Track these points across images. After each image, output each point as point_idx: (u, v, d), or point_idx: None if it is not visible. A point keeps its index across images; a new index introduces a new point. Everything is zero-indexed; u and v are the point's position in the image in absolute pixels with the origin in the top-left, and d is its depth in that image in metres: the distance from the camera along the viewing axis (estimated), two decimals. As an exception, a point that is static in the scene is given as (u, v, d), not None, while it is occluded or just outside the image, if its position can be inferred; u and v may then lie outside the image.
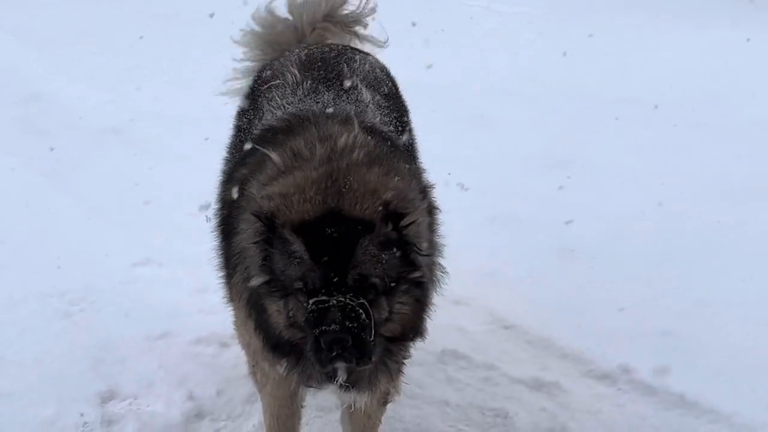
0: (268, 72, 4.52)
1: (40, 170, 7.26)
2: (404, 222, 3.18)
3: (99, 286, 5.52)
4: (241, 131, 4.34)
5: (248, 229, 3.35)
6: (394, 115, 4.38)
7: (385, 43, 5.42)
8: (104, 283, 5.58)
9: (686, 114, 8.83)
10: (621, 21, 12.72)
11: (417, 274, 3.25)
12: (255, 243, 3.28)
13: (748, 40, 10.15)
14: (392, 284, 3.19)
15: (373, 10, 5.48)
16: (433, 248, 3.52)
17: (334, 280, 3.10)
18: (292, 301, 3.21)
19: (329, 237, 3.11)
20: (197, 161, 6.57)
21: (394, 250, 3.18)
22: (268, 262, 3.24)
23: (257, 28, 5.36)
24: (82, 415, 4.52)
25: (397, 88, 4.72)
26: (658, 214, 6.69)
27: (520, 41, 11.64)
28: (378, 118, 4.13)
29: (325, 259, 3.10)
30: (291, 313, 3.22)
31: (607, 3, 13.83)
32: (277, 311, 3.27)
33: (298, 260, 3.14)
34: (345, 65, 4.42)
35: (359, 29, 5.46)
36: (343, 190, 3.20)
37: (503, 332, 5.34)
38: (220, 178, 4.17)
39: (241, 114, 4.46)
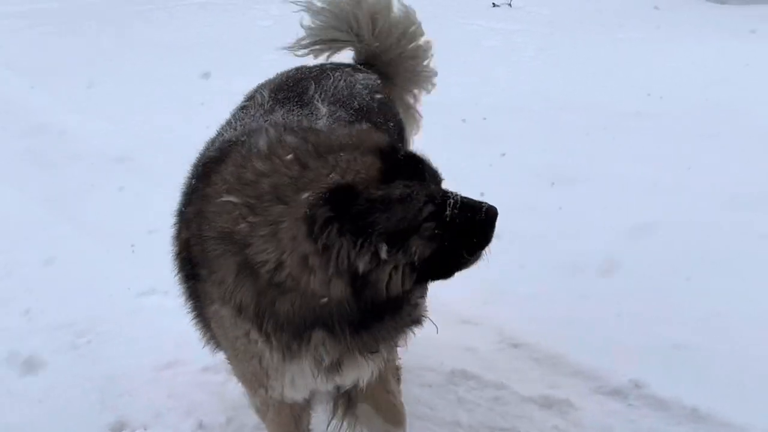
0: (249, 94, 4.52)
1: (46, 201, 7.28)
2: None
3: (105, 316, 5.52)
4: None
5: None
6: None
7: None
8: (110, 313, 5.58)
9: (691, 125, 8.81)
10: (621, 35, 12.75)
11: None
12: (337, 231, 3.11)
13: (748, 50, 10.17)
14: None
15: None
16: None
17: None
18: (415, 240, 3.17)
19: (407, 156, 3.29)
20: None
21: None
22: (372, 236, 3.11)
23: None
24: (91, 447, 4.52)
25: (380, 103, 4.63)
26: (665, 226, 6.66)
27: (522, 58, 11.67)
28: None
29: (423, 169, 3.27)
30: (415, 250, 3.18)
31: (605, 18, 13.88)
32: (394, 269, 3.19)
33: (411, 194, 3.15)
34: (313, 83, 4.37)
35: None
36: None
37: (512, 350, 5.30)
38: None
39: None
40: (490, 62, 11.50)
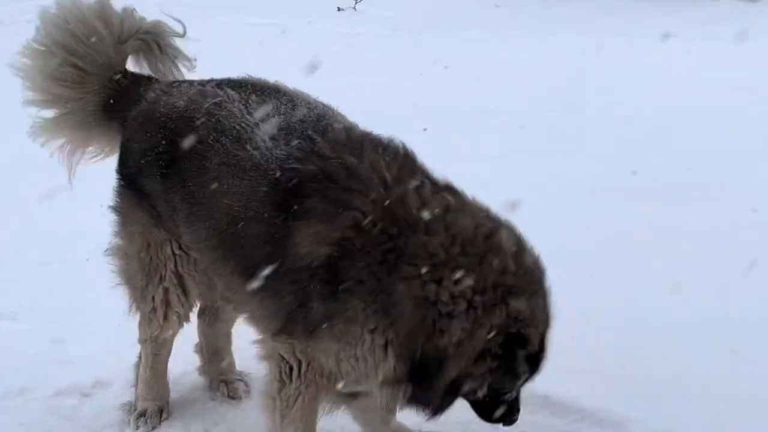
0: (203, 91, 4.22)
1: None
2: None
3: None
4: (201, 170, 4.01)
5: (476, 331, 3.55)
6: None
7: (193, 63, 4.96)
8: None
9: (537, 121, 9.01)
10: (463, 35, 12.97)
11: None
12: (490, 355, 3.58)
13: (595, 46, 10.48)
14: None
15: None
16: None
17: None
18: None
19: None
20: (46, 208, 6.40)
21: None
22: (493, 374, 3.63)
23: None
24: (-61, 485, 4.35)
25: None
26: (525, 223, 6.76)
27: (368, 62, 11.75)
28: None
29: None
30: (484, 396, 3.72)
31: (448, 19, 14.09)
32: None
33: (516, 376, 3.68)
34: (267, 84, 4.45)
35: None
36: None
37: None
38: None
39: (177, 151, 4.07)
40: (337, 67, 11.51)
